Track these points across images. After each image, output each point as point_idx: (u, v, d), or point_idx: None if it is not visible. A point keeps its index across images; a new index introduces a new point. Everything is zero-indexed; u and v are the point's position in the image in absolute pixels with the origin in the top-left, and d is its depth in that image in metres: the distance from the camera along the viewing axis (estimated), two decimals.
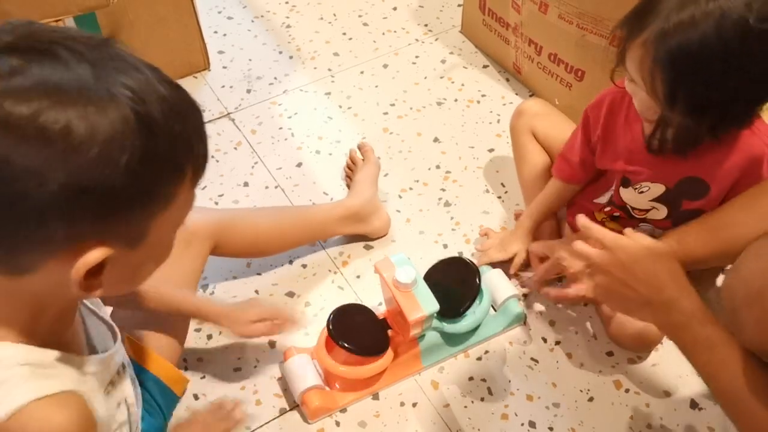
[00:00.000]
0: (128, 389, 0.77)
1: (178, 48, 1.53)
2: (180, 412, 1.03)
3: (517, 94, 1.57)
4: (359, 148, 1.40)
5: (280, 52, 1.67)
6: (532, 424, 1.07)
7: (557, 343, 1.16)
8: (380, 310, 1.11)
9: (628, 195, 1.09)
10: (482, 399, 1.10)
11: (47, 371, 0.61)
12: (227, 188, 1.36)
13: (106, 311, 0.79)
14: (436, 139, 1.48)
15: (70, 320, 0.66)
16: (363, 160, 1.37)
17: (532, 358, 1.14)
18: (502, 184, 1.39)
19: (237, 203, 1.33)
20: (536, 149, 1.29)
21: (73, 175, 0.49)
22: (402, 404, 1.09)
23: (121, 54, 0.54)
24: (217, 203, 1.33)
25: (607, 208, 1.14)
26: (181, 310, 0.99)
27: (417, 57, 1.66)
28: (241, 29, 1.73)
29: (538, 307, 1.21)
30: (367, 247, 1.29)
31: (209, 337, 1.16)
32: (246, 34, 1.72)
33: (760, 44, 0.83)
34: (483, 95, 1.57)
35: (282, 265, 1.26)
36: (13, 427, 0.57)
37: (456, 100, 1.56)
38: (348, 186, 1.37)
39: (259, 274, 1.25)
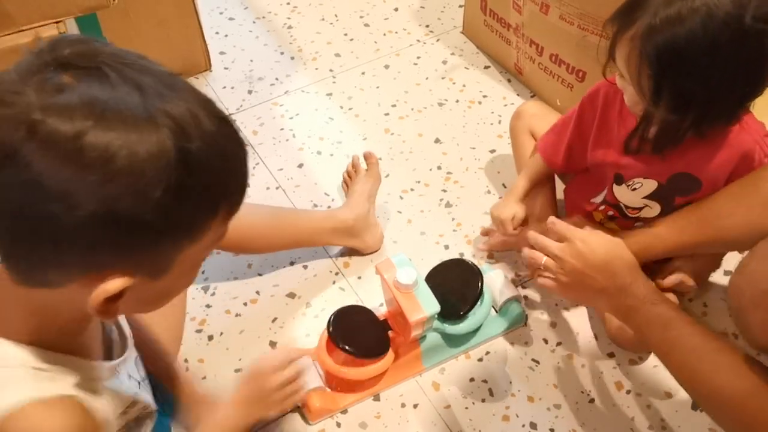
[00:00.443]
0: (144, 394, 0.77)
1: (180, 49, 1.53)
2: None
3: (518, 94, 1.57)
4: (366, 158, 1.34)
5: (282, 53, 1.67)
6: (533, 426, 1.07)
7: (558, 344, 1.16)
8: (381, 311, 1.11)
9: (621, 192, 1.09)
10: (483, 400, 1.10)
11: (50, 374, 0.60)
12: None
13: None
14: (437, 140, 1.48)
15: (83, 326, 0.65)
16: (366, 171, 1.32)
17: (533, 360, 1.14)
18: (503, 184, 1.39)
19: None
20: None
21: (105, 204, 0.48)
22: (403, 405, 1.09)
23: (170, 81, 0.53)
24: None
25: (602, 207, 1.14)
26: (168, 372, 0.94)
27: (418, 58, 1.66)
28: (243, 30, 1.73)
29: (540, 308, 1.20)
30: None
31: (210, 338, 1.16)
32: (247, 35, 1.72)
33: (750, 43, 0.83)
34: (484, 96, 1.57)
35: (283, 266, 1.26)
36: (6, 427, 0.57)
37: (457, 101, 1.56)
38: (345, 192, 1.35)
39: (260, 274, 1.25)
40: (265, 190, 1.37)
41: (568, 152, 1.15)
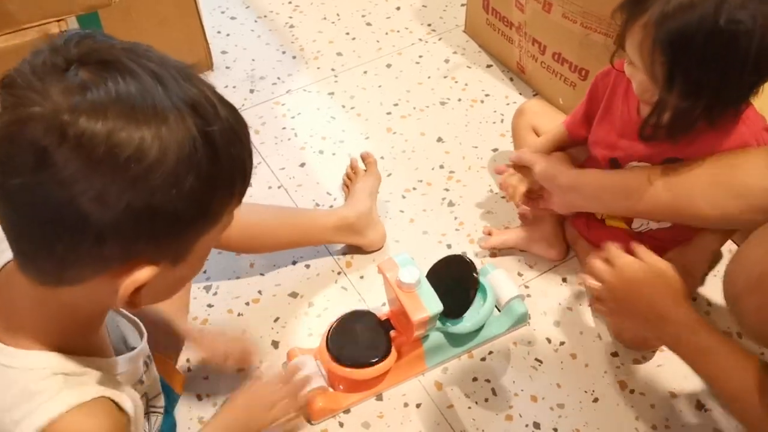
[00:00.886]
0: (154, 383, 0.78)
1: (181, 48, 1.52)
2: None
3: (520, 93, 1.57)
4: (362, 158, 1.35)
5: (284, 52, 1.67)
6: (536, 425, 1.06)
7: (562, 343, 1.16)
8: (384, 310, 1.11)
9: None
10: (486, 400, 1.09)
11: (80, 378, 0.61)
12: None
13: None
14: (439, 139, 1.48)
15: (98, 324, 0.66)
16: (365, 170, 1.33)
17: (536, 359, 1.14)
18: None
19: None
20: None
21: (140, 198, 0.48)
22: (406, 405, 1.09)
23: (183, 70, 0.53)
24: None
25: None
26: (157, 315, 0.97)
27: (420, 57, 1.66)
28: (245, 29, 1.73)
29: (543, 307, 1.20)
30: None
31: None
32: (249, 34, 1.72)
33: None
34: (487, 95, 1.57)
35: (285, 266, 1.25)
36: None
37: (459, 100, 1.56)
38: (345, 194, 1.34)
39: (262, 274, 1.24)
40: (267, 190, 1.37)
41: (584, 119, 1.15)
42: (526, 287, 1.23)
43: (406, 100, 1.56)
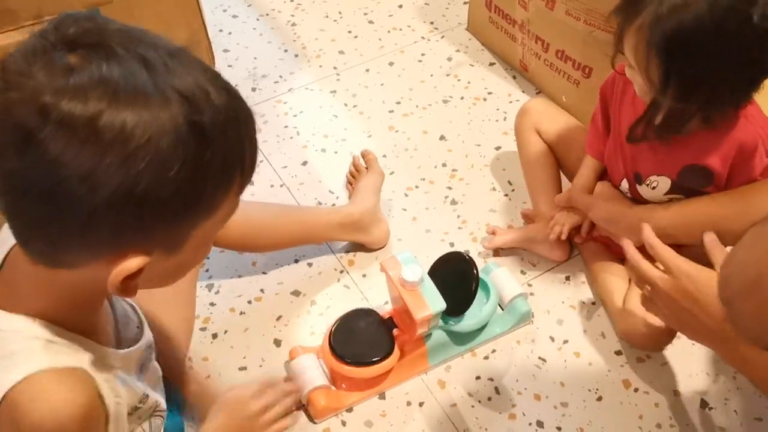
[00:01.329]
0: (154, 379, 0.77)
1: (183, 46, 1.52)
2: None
3: (523, 91, 1.56)
4: (363, 156, 1.36)
5: (285, 51, 1.67)
6: (540, 424, 1.06)
7: (565, 342, 1.15)
8: (386, 308, 1.10)
9: (644, 192, 1.08)
10: (489, 398, 1.09)
11: (62, 348, 0.61)
12: None
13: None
14: (442, 137, 1.47)
15: (97, 306, 0.66)
16: (367, 168, 1.34)
17: (539, 357, 1.14)
18: (509, 182, 1.38)
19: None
20: (541, 148, 1.28)
21: (125, 183, 0.48)
22: (408, 404, 1.08)
23: (177, 55, 0.53)
24: None
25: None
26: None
27: (423, 55, 1.66)
28: (246, 27, 1.73)
29: (546, 305, 1.20)
30: None
31: (214, 336, 1.16)
32: (251, 32, 1.72)
33: (756, 26, 0.83)
34: (489, 93, 1.56)
35: (288, 264, 1.25)
36: (17, 397, 0.57)
37: (462, 98, 1.55)
38: (350, 192, 1.34)
39: (264, 273, 1.24)
40: (269, 188, 1.37)
41: (607, 136, 1.14)
42: (529, 285, 1.22)
43: (409, 98, 1.56)
